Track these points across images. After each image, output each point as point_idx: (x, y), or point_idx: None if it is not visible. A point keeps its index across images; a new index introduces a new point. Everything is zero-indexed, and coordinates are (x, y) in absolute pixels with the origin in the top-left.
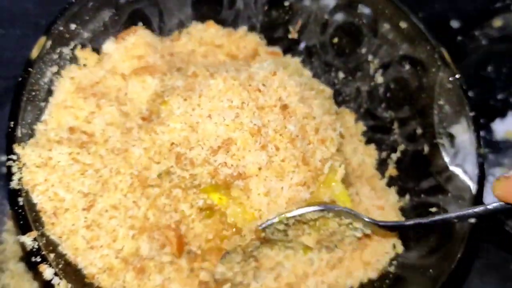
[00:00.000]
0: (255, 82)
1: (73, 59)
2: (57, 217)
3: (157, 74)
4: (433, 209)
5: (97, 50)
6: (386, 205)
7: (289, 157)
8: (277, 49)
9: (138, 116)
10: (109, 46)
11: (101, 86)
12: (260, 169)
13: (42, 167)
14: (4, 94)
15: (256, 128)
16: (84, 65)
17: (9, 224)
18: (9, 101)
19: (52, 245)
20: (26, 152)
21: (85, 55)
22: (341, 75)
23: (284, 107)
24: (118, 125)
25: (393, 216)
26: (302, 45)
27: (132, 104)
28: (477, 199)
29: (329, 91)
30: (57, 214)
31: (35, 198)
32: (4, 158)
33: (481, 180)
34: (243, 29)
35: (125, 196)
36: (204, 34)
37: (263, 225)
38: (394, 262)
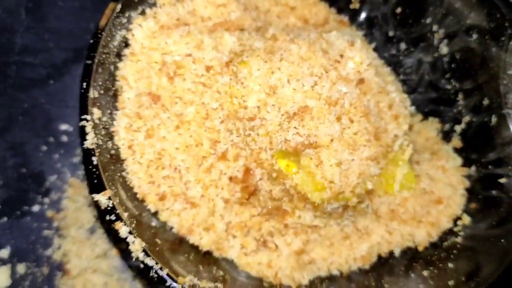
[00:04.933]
0: (335, 51)
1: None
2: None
3: (235, 31)
4: (503, 180)
5: None
6: (448, 166)
7: (362, 130)
8: (345, 19)
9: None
10: None
11: (181, 22)
12: (332, 140)
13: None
14: (64, 65)
15: (334, 99)
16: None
17: (70, 191)
18: (68, 72)
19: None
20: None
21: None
22: (402, 46)
23: (361, 80)
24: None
25: (456, 178)
26: (363, 16)
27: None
28: None
29: None
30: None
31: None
32: (64, 127)
33: None
34: None
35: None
36: None
37: None
38: (462, 233)
